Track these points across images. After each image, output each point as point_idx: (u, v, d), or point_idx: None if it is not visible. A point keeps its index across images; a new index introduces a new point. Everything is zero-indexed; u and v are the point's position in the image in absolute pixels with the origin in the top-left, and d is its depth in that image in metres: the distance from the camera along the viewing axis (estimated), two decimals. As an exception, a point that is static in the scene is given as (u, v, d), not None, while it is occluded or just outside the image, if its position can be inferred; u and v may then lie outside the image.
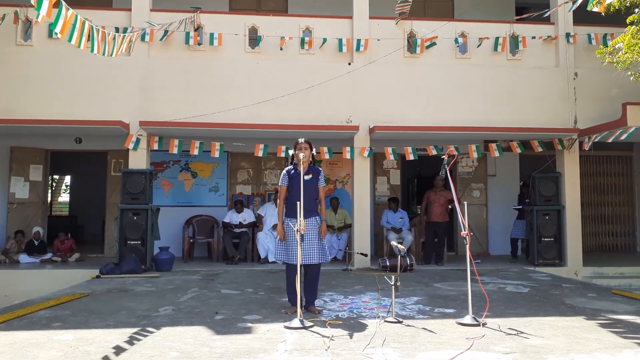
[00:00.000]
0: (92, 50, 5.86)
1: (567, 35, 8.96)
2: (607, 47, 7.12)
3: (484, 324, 4.31)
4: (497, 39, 8.86)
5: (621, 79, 7.83)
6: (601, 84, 8.89)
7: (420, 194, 10.53)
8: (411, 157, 8.71)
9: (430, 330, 4.17)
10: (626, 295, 5.87)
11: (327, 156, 8.68)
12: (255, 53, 8.67)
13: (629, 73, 6.88)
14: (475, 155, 8.87)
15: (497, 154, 8.93)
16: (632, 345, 3.75)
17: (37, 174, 9.76)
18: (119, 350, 3.59)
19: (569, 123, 8.88)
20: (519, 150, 8.96)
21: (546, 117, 8.85)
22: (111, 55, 6.30)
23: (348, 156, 8.62)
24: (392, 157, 8.78)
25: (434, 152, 8.71)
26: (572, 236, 8.66)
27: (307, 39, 8.64)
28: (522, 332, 4.10)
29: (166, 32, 8.31)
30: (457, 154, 8.76)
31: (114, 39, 6.32)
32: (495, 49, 8.87)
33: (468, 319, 4.38)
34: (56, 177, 17.96)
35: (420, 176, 13.14)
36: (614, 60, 6.67)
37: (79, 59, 8.25)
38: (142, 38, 8.23)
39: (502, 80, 8.92)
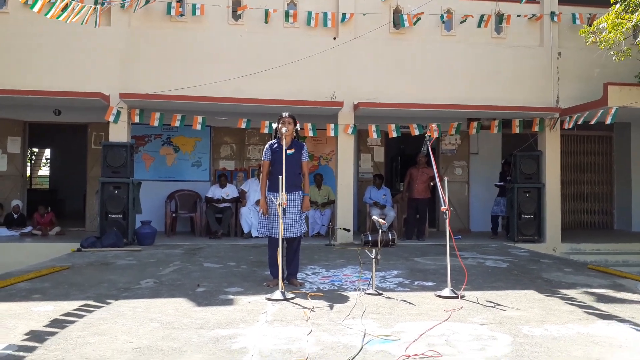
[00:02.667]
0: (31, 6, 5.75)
1: (552, 14, 8.96)
2: (591, 26, 7.14)
3: (462, 297, 4.39)
4: (481, 16, 8.82)
5: (604, 59, 7.89)
6: (584, 64, 8.96)
7: (403, 172, 10.61)
8: (394, 135, 8.73)
9: (409, 302, 4.24)
10: (601, 270, 6.02)
11: (310, 133, 8.64)
12: (238, 25, 8.52)
13: (612, 53, 6.92)
14: (453, 131, 8.92)
15: (474, 131, 8.99)
16: (604, 316, 3.86)
17: (15, 146, 9.55)
18: (99, 321, 3.58)
19: (551, 102, 8.96)
20: (496, 131, 9.03)
21: (529, 96, 8.91)
22: (65, 20, 6.16)
23: (332, 133, 8.60)
24: (375, 135, 8.78)
25: (417, 132, 8.73)
26: (552, 213, 8.82)
27: (291, 11, 8.51)
28: (499, 305, 4.19)
29: (147, 1, 8.09)
30: (439, 130, 8.79)
31: (73, 7, 6.18)
32: (479, 25, 8.83)
33: (447, 291, 4.46)
34: (35, 150, 17.64)
35: (404, 154, 13.20)
36: (598, 40, 6.70)
37: (57, 27, 7.99)
38: (122, 6, 8.02)
39: (486, 59, 8.93)
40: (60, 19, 5.99)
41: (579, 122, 8.44)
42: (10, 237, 8.44)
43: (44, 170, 19.45)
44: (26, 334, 3.25)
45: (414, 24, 8.66)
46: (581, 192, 11.43)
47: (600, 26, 6.71)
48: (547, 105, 8.91)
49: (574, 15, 9.02)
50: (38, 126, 10.28)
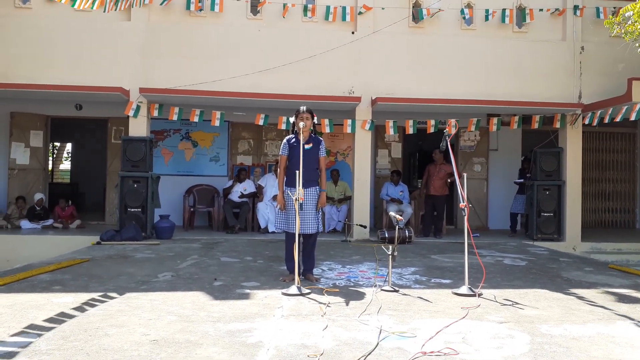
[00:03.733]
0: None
1: (575, 7, 8.78)
2: (616, 16, 6.95)
3: (479, 295, 4.34)
4: (503, 10, 8.69)
5: (628, 54, 7.70)
6: (607, 59, 8.77)
7: (421, 168, 10.53)
8: (411, 131, 8.66)
9: (426, 299, 4.21)
10: (623, 270, 5.90)
11: (327, 129, 8.61)
12: (257, 20, 8.53)
13: (637, 45, 6.74)
14: (473, 128, 8.81)
15: (495, 128, 8.86)
16: (625, 317, 3.78)
17: (37, 140, 9.73)
18: (117, 313, 3.63)
19: (573, 98, 8.78)
20: (516, 126, 8.89)
21: (550, 91, 8.75)
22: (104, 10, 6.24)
23: (349, 130, 8.56)
24: (392, 131, 8.73)
25: (433, 130, 8.66)
26: (572, 212, 8.67)
27: (310, 6, 8.49)
28: (517, 303, 4.13)
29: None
30: (457, 126, 8.70)
31: None
32: (503, 20, 8.70)
33: (464, 289, 4.41)
34: (57, 144, 17.93)
35: (422, 150, 13.09)
36: (623, 30, 6.51)
37: (78, 22, 8.16)
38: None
39: (507, 53, 8.79)
40: (75, 6, 6.09)
41: (605, 121, 8.23)
42: (32, 229, 8.61)
43: (66, 164, 19.79)
44: (46, 325, 3.30)
45: (432, 15, 8.54)
46: (603, 190, 11.22)
47: (626, 15, 6.50)
48: (568, 100, 8.74)
49: (597, 8, 8.82)
50: (60, 120, 10.46)
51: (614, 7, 8.72)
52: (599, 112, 8.22)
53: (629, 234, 10.18)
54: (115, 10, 6.55)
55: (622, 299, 4.39)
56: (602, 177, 11.21)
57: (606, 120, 8.21)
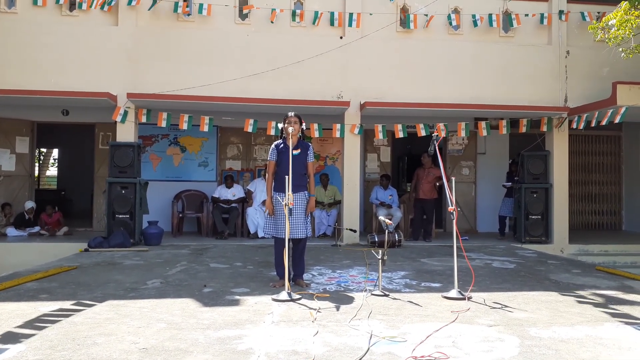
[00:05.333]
0: None
1: (560, 12, 8.90)
2: (599, 22, 7.07)
3: (469, 298, 4.37)
4: (490, 15, 8.77)
5: (612, 58, 7.81)
6: (593, 63, 8.88)
7: (410, 172, 10.57)
8: (401, 135, 8.70)
9: (416, 304, 4.22)
10: (609, 272, 5.97)
11: (316, 134, 8.61)
12: (245, 25, 8.53)
13: (620, 50, 6.85)
14: (463, 134, 8.86)
15: (485, 132, 8.92)
16: (613, 318, 3.82)
17: (23, 146, 9.61)
18: (106, 321, 3.59)
19: (559, 101, 8.88)
20: (505, 131, 8.96)
21: (537, 95, 8.84)
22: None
23: (338, 135, 8.57)
24: (381, 135, 8.76)
25: (423, 133, 8.70)
26: (559, 214, 8.75)
27: (298, 11, 8.50)
28: (506, 306, 4.16)
29: (154, 1, 8.13)
30: (446, 130, 8.76)
31: None
32: (490, 24, 8.78)
33: (454, 293, 4.44)
34: (44, 150, 17.75)
35: (411, 154, 13.15)
36: (606, 36, 6.63)
37: (65, 27, 8.11)
38: (129, 2, 8.06)
39: (494, 58, 8.87)
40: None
41: (592, 125, 8.33)
42: (18, 237, 8.50)
43: (52, 170, 19.57)
44: (34, 334, 3.26)
45: (425, 26, 8.62)
46: (589, 192, 11.34)
47: (610, 23, 6.63)
48: (555, 104, 8.84)
49: (582, 13, 8.94)
50: (46, 126, 10.34)
51: (598, 12, 8.84)
52: (585, 115, 8.33)
53: (615, 235, 10.30)
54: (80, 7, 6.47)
55: (610, 300, 4.44)
56: (589, 179, 11.34)
57: (592, 124, 8.32)
